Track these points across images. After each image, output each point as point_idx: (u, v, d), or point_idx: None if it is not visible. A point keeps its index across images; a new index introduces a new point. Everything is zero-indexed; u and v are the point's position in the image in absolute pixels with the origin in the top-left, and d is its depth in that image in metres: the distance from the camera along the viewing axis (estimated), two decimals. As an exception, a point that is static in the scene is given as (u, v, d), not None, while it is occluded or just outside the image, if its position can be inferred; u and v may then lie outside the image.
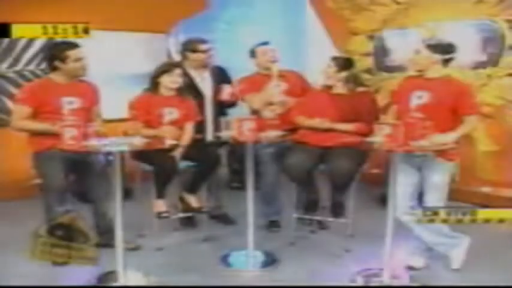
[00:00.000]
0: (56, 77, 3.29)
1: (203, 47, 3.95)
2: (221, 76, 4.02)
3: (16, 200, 4.83)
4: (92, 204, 3.50)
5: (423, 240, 3.18)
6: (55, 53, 3.23)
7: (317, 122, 3.53)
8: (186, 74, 3.87)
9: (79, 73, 3.30)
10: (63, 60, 3.21)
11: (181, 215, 3.75)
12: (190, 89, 3.84)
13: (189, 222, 4.00)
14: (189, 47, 3.96)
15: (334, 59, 3.70)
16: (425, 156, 2.99)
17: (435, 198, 3.05)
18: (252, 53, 3.95)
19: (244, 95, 3.86)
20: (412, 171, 3.11)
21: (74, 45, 3.21)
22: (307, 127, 3.61)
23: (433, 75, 3.03)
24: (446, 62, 3.03)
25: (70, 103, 3.25)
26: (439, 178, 3.06)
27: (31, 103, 3.21)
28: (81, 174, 3.44)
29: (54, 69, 3.27)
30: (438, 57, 2.99)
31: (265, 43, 3.95)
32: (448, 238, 3.17)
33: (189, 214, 3.85)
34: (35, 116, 3.23)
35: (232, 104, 4.00)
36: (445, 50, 3.01)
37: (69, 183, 3.38)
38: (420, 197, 3.17)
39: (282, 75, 3.78)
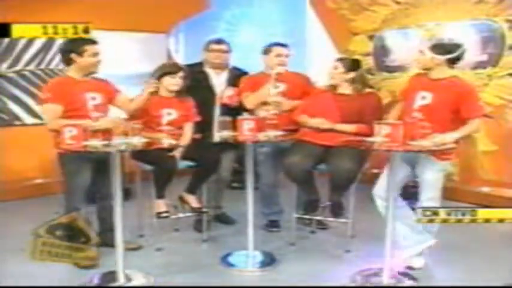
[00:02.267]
0: (72, 73, 3.30)
1: (215, 47, 3.94)
2: (239, 79, 3.93)
3: (16, 200, 4.84)
4: (103, 202, 3.45)
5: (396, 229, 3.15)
6: (72, 47, 3.23)
7: (318, 121, 3.52)
8: (203, 73, 3.92)
9: (93, 69, 3.31)
10: (80, 53, 3.22)
11: (181, 215, 3.75)
12: (204, 88, 3.88)
13: (198, 226, 3.96)
14: (205, 46, 3.98)
15: (341, 60, 3.67)
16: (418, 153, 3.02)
17: (427, 196, 3.08)
18: (266, 51, 3.87)
19: (242, 94, 3.85)
20: (402, 165, 3.11)
21: (91, 41, 3.24)
22: (309, 126, 3.59)
23: (438, 76, 3.03)
24: (451, 62, 3.02)
25: (93, 99, 3.29)
26: (431, 176, 3.06)
27: (60, 100, 3.19)
28: (103, 172, 3.37)
29: (69, 63, 3.28)
30: (442, 58, 2.98)
31: (283, 44, 3.88)
32: (417, 234, 3.17)
33: (191, 214, 3.82)
34: (62, 113, 3.20)
35: (235, 107, 3.86)
36: (449, 50, 2.98)
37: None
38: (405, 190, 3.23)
39: (282, 77, 3.72)
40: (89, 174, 3.29)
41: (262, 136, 3.23)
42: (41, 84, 5.20)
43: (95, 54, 3.26)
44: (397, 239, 3.17)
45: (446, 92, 2.98)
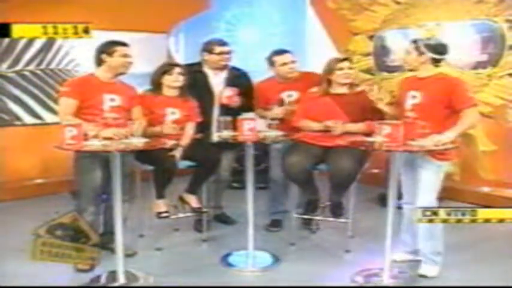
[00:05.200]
0: (100, 73, 3.33)
1: (218, 49, 3.91)
2: (238, 79, 3.94)
3: (16, 200, 4.84)
4: (109, 203, 3.39)
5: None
6: (104, 48, 3.30)
7: (332, 125, 3.47)
8: (202, 73, 3.91)
9: (122, 69, 3.34)
10: (110, 54, 3.28)
11: (181, 215, 3.75)
12: (203, 88, 3.87)
13: (198, 226, 3.96)
14: (206, 47, 3.95)
15: (347, 59, 3.66)
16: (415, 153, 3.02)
17: (422, 198, 3.03)
18: (270, 62, 3.88)
19: (256, 106, 3.92)
20: (405, 167, 3.13)
21: (122, 43, 3.34)
22: (317, 131, 3.56)
23: (425, 75, 3.08)
24: (436, 61, 3.07)
25: (112, 100, 3.31)
26: (427, 177, 3.04)
27: (76, 96, 3.23)
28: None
29: (99, 63, 3.33)
30: (426, 57, 3.03)
31: (283, 51, 3.87)
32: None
33: (191, 214, 3.82)
34: (78, 109, 3.23)
35: (234, 107, 3.84)
36: (434, 50, 3.03)
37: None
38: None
39: (294, 84, 3.77)
40: (99, 174, 3.28)
41: (262, 136, 3.24)
42: (40, 84, 5.23)
43: (125, 55, 3.32)
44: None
45: (435, 88, 3.02)
